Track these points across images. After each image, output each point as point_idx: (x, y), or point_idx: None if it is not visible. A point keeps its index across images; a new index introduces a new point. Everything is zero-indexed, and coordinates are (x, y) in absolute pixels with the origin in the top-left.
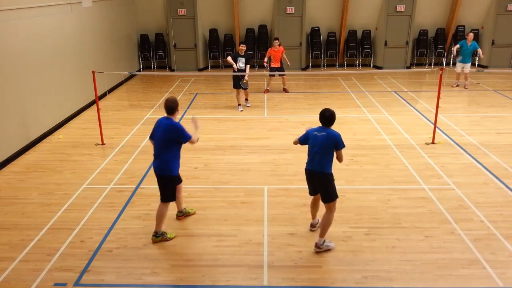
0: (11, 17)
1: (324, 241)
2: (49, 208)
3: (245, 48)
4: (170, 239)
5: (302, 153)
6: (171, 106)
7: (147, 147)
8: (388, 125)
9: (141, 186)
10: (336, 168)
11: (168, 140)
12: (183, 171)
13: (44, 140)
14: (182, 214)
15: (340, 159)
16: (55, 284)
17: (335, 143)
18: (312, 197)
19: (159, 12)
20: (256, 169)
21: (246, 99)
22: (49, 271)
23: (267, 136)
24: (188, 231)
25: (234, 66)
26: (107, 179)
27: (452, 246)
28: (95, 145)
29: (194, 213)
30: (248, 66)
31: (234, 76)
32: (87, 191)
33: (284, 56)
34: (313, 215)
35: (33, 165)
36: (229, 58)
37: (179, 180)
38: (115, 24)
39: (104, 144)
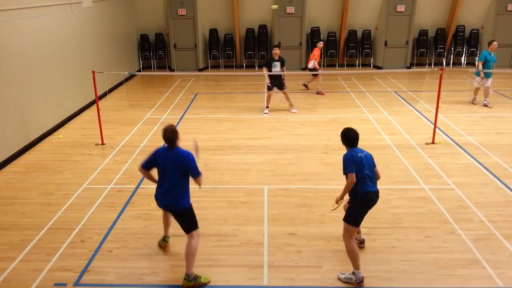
0: (11, 17)
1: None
2: (49, 208)
3: (279, 51)
4: (205, 284)
5: (302, 153)
6: (171, 138)
7: (147, 147)
8: (388, 125)
9: (141, 186)
10: (337, 168)
11: (182, 173)
12: None
13: (44, 140)
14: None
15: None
16: (55, 284)
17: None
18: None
19: (159, 12)
20: (256, 169)
21: (291, 105)
22: (49, 271)
23: (267, 136)
24: None
25: (267, 80)
26: (107, 179)
27: (452, 246)
28: (95, 145)
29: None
30: (284, 68)
31: (270, 77)
32: (87, 191)
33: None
34: (358, 230)
35: (33, 165)
36: (265, 72)
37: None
38: (115, 24)
39: (104, 144)
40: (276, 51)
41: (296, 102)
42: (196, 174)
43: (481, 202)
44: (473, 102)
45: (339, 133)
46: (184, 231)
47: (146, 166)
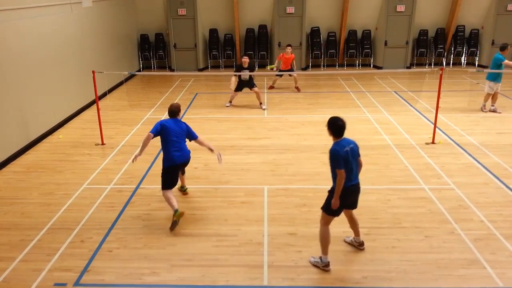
0: (11, 17)
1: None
2: (49, 208)
3: (248, 59)
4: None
5: (302, 153)
6: (176, 111)
7: (147, 147)
8: (388, 125)
9: (141, 186)
10: None
11: (186, 135)
12: None
13: (44, 140)
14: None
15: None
16: (55, 284)
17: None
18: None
19: (159, 12)
20: (256, 169)
21: (261, 103)
22: (49, 271)
23: (267, 136)
24: (188, 231)
25: (232, 87)
26: (107, 179)
27: (452, 246)
28: (95, 145)
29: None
30: (253, 72)
31: (239, 82)
32: (87, 191)
33: (294, 63)
34: (357, 232)
35: (33, 165)
36: (233, 80)
37: None
38: (115, 24)
39: (104, 144)
40: (245, 59)
41: (297, 102)
42: (195, 135)
43: (481, 202)
44: (483, 110)
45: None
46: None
47: (155, 132)
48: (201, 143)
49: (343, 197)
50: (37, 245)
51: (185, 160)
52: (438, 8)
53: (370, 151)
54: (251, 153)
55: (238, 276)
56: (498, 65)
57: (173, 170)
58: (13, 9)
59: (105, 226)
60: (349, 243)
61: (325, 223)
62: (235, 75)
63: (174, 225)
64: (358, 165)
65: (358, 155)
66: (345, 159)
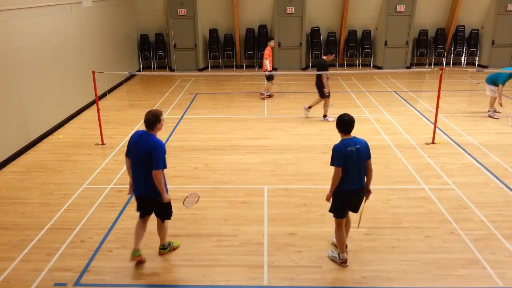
0: (11, 17)
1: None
2: (49, 208)
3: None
4: (177, 247)
5: (302, 153)
6: (150, 120)
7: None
8: (388, 125)
9: None
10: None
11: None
12: (183, 171)
13: (44, 140)
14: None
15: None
16: (55, 284)
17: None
18: (341, 222)
19: (159, 12)
20: (256, 169)
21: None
22: (49, 271)
23: (267, 136)
24: (188, 231)
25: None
26: (107, 179)
27: (452, 246)
28: (95, 145)
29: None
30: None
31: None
32: (87, 191)
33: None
34: (344, 245)
35: (33, 165)
36: (325, 80)
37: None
38: (115, 24)
39: (104, 144)
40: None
41: (297, 102)
42: (156, 166)
43: (481, 202)
44: (494, 116)
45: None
46: (161, 219)
47: (127, 152)
48: (157, 181)
49: (343, 199)
50: (37, 245)
51: (141, 194)
52: (438, 8)
53: (370, 151)
54: (251, 153)
55: (238, 276)
56: (497, 77)
57: (137, 199)
58: (13, 9)
59: (105, 226)
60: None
61: (337, 226)
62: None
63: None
64: (366, 169)
65: (367, 158)
66: (346, 159)
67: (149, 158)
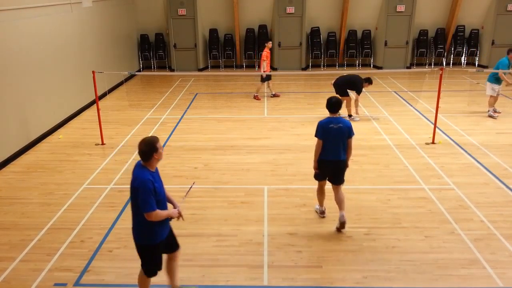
0: (11, 17)
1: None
2: (49, 208)
3: None
4: None
5: (302, 153)
6: (144, 151)
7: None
8: (388, 125)
9: None
10: None
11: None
12: (183, 171)
13: (44, 140)
14: None
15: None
16: (55, 284)
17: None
18: (320, 184)
19: (159, 12)
20: (256, 169)
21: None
22: (49, 271)
23: (267, 136)
24: (188, 231)
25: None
26: (107, 179)
27: (452, 246)
28: (95, 145)
29: None
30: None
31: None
32: (87, 191)
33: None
34: (322, 202)
35: (33, 165)
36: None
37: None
38: (115, 24)
39: (104, 144)
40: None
41: (297, 102)
42: (141, 207)
43: (481, 202)
44: (494, 116)
45: None
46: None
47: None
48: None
49: (321, 167)
50: (37, 245)
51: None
52: (438, 8)
53: (370, 151)
54: (251, 153)
55: (238, 276)
56: (498, 67)
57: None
58: (13, 9)
59: (105, 226)
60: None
61: (318, 187)
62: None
63: None
64: (346, 146)
65: (348, 136)
66: (326, 133)
67: (134, 196)
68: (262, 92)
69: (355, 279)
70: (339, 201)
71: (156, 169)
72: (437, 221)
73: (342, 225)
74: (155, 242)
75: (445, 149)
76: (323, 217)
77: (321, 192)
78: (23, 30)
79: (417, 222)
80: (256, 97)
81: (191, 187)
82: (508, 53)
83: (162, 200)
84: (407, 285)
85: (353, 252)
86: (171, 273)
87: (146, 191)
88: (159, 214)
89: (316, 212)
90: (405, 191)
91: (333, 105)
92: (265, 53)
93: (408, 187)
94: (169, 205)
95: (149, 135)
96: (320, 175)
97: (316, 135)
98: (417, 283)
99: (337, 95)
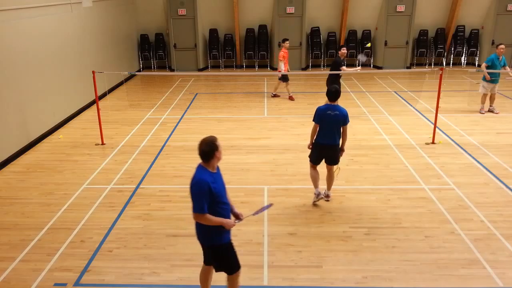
0: (11, 17)
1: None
2: (49, 208)
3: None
4: None
5: (302, 153)
6: (205, 151)
7: (147, 147)
8: (388, 125)
9: (141, 186)
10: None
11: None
12: (183, 171)
13: (44, 140)
14: None
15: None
16: (55, 284)
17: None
18: (312, 166)
19: (159, 12)
20: (256, 169)
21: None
22: (49, 271)
23: (267, 136)
24: (188, 231)
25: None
26: (107, 179)
27: (452, 246)
28: (95, 145)
29: None
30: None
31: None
32: (87, 191)
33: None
34: (317, 183)
35: (33, 165)
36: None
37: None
38: (115, 24)
39: (104, 144)
40: (343, 51)
41: (297, 102)
42: (194, 208)
43: (481, 202)
44: (481, 112)
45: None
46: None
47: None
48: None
49: (317, 149)
50: (37, 245)
51: (200, 241)
52: (438, 8)
53: (370, 151)
54: (251, 153)
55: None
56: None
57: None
58: (13, 9)
59: (105, 226)
60: (318, 199)
61: (311, 168)
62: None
63: None
64: (340, 132)
65: (343, 124)
66: (322, 118)
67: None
68: (290, 91)
69: (355, 279)
70: (329, 181)
71: (218, 169)
72: (437, 221)
73: (327, 197)
74: (227, 240)
75: (445, 149)
76: (320, 199)
77: (314, 172)
78: (23, 30)
79: (417, 222)
80: (290, 98)
81: (267, 207)
82: (496, 47)
83: (221, 202)
84: (407, 285)
85: (353, 252)
86: (206, 283)
87: (198, 192)
88: (209, 218)
89: (315, 193)
90: (405, 191)
91: (333, 94)
92: (281, 53)
93: (408, 187)
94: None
95: (149, 135)
96: (314, 157)
97: (313, 120)
98: (417, 283)
99: (336, 85)
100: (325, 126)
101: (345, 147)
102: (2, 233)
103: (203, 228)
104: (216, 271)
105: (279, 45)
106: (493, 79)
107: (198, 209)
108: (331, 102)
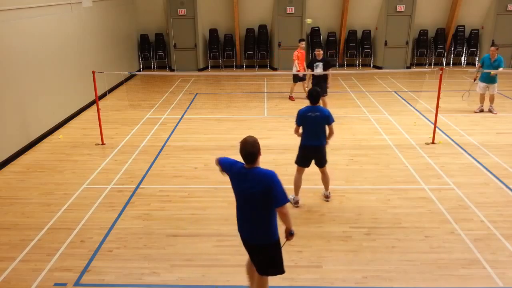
0: (11, 17)
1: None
2: (49, 208)
3: (321, 52)
4: None
5: None
6: (251, 152)
7: (147, 147)
8: (388, 125)
9: (141, 186)
10: (336, 168)
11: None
12: (183, 171)
13: (44, 140)
14: None
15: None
16: (55, 284)
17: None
18: (298, 170)
19: (159, 12)
20: None
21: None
22: (49, 271)
23: (267, 136)
24: (188, 231)
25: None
26: (107, 179)
27: (452, 246)
28: (95, 145)
29: None
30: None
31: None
32: (87, 191)
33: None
34: (298, 191)
35: (33, 165)
36: (309, 71)
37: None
38: (115, 24)
39: (104, 144)
40: (319, 51)
41: (297, 102)
42: (281, 201)
43: (481, 202)
44: (476, 111)
45: (339, 133)
46: (265, 272)
47: (223, 164)
48: (284, 216)
49: (302, 151)
50: (37, 245)
51: (247, 237)
52: (438, 8)
53: (370, 151)
54: None
55: (238, 276)
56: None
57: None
58: (13, 9)
59: (105, 226)
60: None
61: (296, 171)
62: (309, 68)
63: None
64: (325, 133)
65: (327, 123)
66: (304, 120)
67: (259, 198)
68: (292, 91)
69: (355, 279)
70: (325, 182)
71: None
72: (437, 221)
73: (326, 197)
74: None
75: (445, 149)
76: (297, 207)
77: (298, 178)
78: (23, 30)
79: (417, 222)
80: (290, 98)
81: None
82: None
83: None
84: (407, 285)
85: (353, 252)
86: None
87: (280, 182)
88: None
89: (290, 202)
90: (405, 191)
91: (313, 97)
92: (296, 53)
93: (408, 187)
94: None
95: (149, 135)
96: (299, 158)
97: (295, 121)
98: (417, 283)
99: (317, 88)
100: (308, 128)
101: (345, 147)
102: (2, 233)
103: (266, 225)
104: (263, 274)
105: (279, 45)
106: (487, 78)
107: (287, 199)
108: (312, 104)
